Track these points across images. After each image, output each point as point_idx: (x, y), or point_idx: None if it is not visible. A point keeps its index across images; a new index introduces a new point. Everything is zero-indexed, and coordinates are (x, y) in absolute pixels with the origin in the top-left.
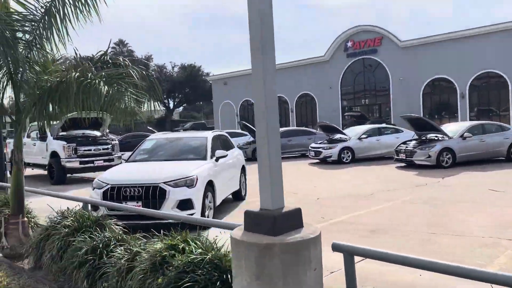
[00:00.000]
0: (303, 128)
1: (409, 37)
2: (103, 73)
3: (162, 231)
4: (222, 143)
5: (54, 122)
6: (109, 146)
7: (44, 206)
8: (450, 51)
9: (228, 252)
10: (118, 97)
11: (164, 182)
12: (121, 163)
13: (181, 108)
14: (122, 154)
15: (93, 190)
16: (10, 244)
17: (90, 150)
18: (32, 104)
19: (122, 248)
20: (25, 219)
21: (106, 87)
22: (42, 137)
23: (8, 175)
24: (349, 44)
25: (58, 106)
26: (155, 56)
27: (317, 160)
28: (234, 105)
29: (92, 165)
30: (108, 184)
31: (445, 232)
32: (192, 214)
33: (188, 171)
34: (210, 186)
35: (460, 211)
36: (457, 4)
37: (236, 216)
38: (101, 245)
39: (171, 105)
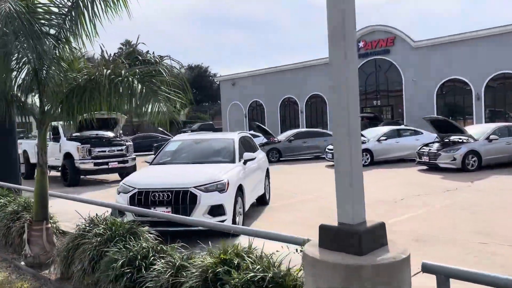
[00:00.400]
0: (318, 129)
1: (421, 38)
2: (137, 70)
3: (195, 240)
4: (247, 145)
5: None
6: (124, 147)
7: (61, 209)
8: (465, 52)
9: (290, 269)
10: (152, 96)
11: (195, 187)
12: (134, 165)
13: (186, 109)
14: (136, 156)
15: (118, 194)
16: (34, 253)
17: (105, 151)
18: (58, 103)
19: (162, 260)
20: (49, 225)
21: (140, 85)
22: (55, 138)
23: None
24: (361, 44)
25: (87, 105)
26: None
27: (333, 163)
28: (243, 106)
29: (106, 166)
30: (135, 188)
31: (499, 241)
32: (223, 221)
33: (219, 175)
34: (240, 190)
35: (503, 217)
36: (465, 4)
37: (264, 222)
38: (139, 257)
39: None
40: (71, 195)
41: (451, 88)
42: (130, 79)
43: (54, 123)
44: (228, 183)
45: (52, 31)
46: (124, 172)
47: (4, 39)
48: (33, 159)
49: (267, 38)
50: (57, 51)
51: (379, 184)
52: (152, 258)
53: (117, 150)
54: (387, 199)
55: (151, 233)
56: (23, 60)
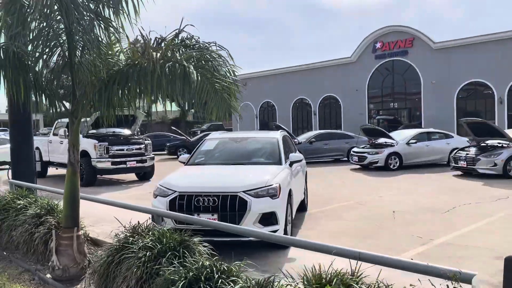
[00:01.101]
0: (341, 131)
1: (441, 39)
2: (194, 53)
3: (239, 252)
4: (287, 145)
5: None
6: (142, 146)
7: (81, 212)
8: (487, 54)
9: None
10: (208, 85)
11: (244, 191)
12: (153, 165)
13: (192, 109)
14: (154, 155)
15: (155, 198)
16: (62, 264)
17: (123, 150)
18: (95, 92)
19: (232, 283)
20: (80, 233)
21: (195, 72)
22: None
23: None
24: (378, 45)
25: (130, 94)
26: None
27: (358, 166)
28: (254, 107)
29: (124, 166)
30: (175, 191)
31: None
32: (275, 231)
33: (269, 179)
34: (289, 196)
35: None
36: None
37: (310, 231)
38: (202, 278)
39: (186, 106)
40: (106, 199)
41: (473, 91)
42: (185, 64)
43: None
44: (280, 188)
45: (92, 6)
46: (141, 172)
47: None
48: (45, 157)
49: (278, 39)
50: (95, 30)
51: (420, 190)
52: (219, 280)
53: (136, 149)
54: (436, 207)
55: (204, 246)
56: (57, 36)
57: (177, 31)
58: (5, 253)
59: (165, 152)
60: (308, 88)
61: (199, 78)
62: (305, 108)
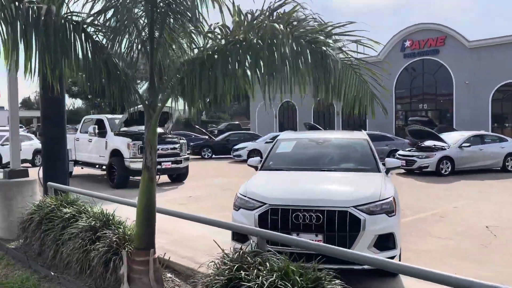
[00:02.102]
0: (379, 133)
1: (475, 38)
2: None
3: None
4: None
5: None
6: (177, 145)
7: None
8: None
9: None
10: (349, 69)
11: (355, 207)
12: (187, 166)
13: None
14: (189, 155)
15: (237, 210)
16: None
17: (158, 149)
18: (179, 80)
19: None
20: (156, 255)
21: (333, 52)
22: (101, 133)
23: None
24: (407, 43)
25: (223, 82)
26: None
27: (403, 170)
28: (273, 106)
29: (159, 167)
30: (266, 204)
31: None
32: (393, 257)
33: (381, 191)
34: None
35: None
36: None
37: (406, 252)
38: None
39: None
40: (190, 214)
41: (509, 92)
42: (322, 40)
43: (99, 116)
44: (395, 202)
45: None
46: (175, 174)
47: None
48: (71, 155)
49: None
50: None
51: (493, 199)
52: None
53: (171, 149)
54: None
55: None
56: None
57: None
58: (52, 273)
59: (188, 152)
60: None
61: (339, 65)
62: (327, 109)
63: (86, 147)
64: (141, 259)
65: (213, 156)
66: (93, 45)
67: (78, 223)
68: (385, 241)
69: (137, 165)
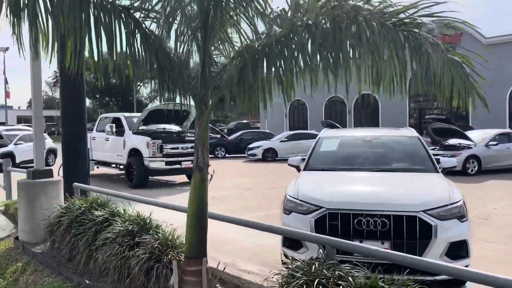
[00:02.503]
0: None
1: (493, 34)
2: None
3: None
4: None
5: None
6: None
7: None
8: None
9: None
10: (443, 56)
11: (424, 211)
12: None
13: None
14: None
15: (288, 214)
16: None
17: (177, 148)
18: (238, 70)
19: None
20: (208, 264)
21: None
22: (118, 132)
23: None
24: None
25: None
26: None
27: None
28: (283, 105)
29: (179, 166)
30: (323, 207)
31: None
32: (466, 267)
33: (449, 193)
34: None
35: None
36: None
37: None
38: None
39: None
40: (243, 219)
41: None
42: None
43: (116, 114)
44: (465, 206)
45: None
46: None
47: None
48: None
49: None
50: None
51: None
52: None
53: (190, 148)
54: None
55: None
56: None
57: None
58: (87, 281)
59: None
60: (341, 85)
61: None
62: (339, 107)
63: (103, 146)
64: (193, 269)
65: (227, 155)
66: (142, 33)
67: (114, 227)
68: (458, 249)
69: (157, 164)
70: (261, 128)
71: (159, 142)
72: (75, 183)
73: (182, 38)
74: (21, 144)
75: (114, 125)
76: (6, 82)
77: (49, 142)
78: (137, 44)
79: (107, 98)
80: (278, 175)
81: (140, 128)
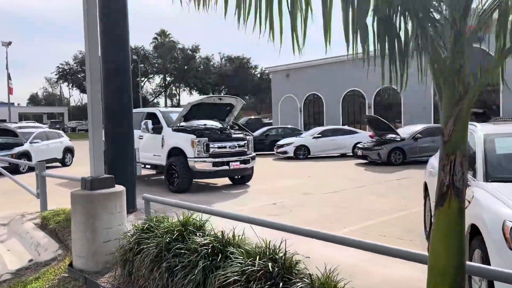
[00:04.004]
0: (436, 125)
1: None
2: None
3: None
4: None
5: None
6: (244, 142)
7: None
8: None
9: None
10: None
11: None
12: (252, 167)
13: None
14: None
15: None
16: None
17: (225, 147)
18: None
19: None
20: None
21: None
22: (155, 129)
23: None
24: None
25: None
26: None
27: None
28: (298, 100)
29: (227, 168)
30: None
31: None
32: None
33: None
34: None
35: None
36: None
37: None
38: None
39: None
40: (407, 250)
41: None
42: None
43: (150, 109)
44: None
45: None
46: (240, 175)
47: None
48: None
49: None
50: None
51: None
52: None
53: (239, 146)
54: None
55: None
56: None
57: None
58: None
59: None
60: (362, 79)
61: None
62: (357, 101)
63: (136, 144)
64: None
65: None
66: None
67: (233, 263)
68: None
69: (203, 165)
70: (273, 124)
71: (205, 140)
72: (144, 194)
73: None
74: (37, 142)
75: (149, 121)
76: (9, 77)
77: (66, 140)
78: None
79: None
80: (324, 176)
81: (181, 124)
